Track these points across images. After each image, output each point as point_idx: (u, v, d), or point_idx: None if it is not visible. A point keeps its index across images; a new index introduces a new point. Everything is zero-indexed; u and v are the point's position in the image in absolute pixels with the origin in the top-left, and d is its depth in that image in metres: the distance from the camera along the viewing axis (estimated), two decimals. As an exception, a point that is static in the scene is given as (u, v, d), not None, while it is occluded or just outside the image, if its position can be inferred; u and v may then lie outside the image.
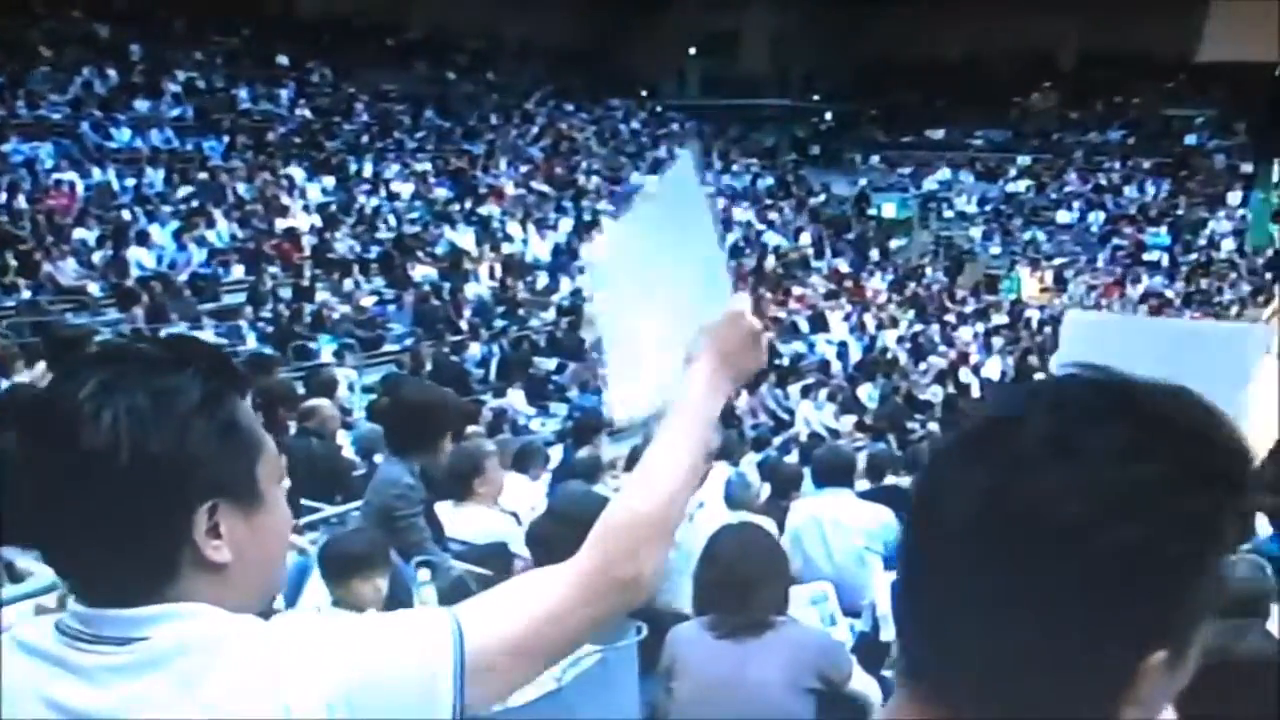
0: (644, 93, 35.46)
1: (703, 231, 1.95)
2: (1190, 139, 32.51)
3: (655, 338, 1.90)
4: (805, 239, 30.08)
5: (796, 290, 26.04)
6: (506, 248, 23.73)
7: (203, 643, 1.33)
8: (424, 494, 5.56)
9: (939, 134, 35.15)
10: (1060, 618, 0.92)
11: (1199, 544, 0.95)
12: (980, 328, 25.50)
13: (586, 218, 25.86)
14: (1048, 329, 25.28)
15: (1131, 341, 1.89)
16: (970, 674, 0.97)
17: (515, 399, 16.53)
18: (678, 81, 36.51)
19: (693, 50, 36.03)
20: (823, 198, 33.33)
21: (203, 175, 21.47)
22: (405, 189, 24.55)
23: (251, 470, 1.44)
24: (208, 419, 1.38)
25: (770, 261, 27.61)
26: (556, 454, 10.15)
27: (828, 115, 37.35)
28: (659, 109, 34.93)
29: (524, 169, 27.90)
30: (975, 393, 20.41)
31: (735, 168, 32.92)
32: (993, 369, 22.48)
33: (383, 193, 24.03)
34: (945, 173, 34.02)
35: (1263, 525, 9.04)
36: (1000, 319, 26.39)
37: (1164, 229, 30.23)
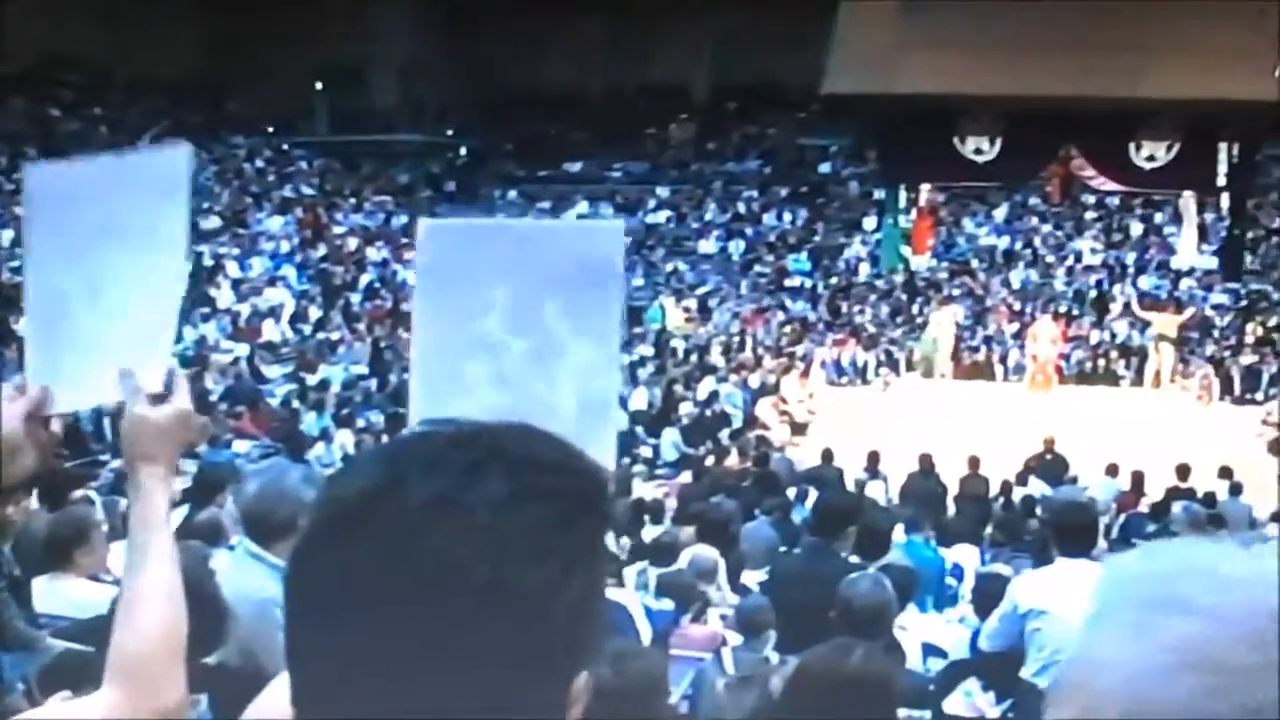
0: (269, 129, 34.09)
1: (171, 246, 1.86)
2: (825, 167, 33.80)
3: (101, 338, 1.83)
4: (445, 276, 29.47)
5: (438, 329, 25.40)
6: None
7: None
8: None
9: (576, 167, 35.24)
10: (486, 672, 0.93)
11: (595, 566, 1.00)
12: (625, 360, 25.42)
13: (208, 262, 24.51)
14: (693, 358, 25.50)
15: (489, 245, 1.82)
16: None
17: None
18: (305, 117, 35.31)
19: (319, 84, 34.94)
20: (461, 234, 32.80)
21: None
22: (4, 235, 22.58)
23: None
24: None
25: (408, 303, 26.83)
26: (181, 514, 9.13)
27: (463, 150, 36.96)
28: (285, 146, 33.66)
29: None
30: (623, 425, 20.14)
31: (368, 206, 32.11)
32: (639, 400, 22.36)
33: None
34: (584, 206, 34.03)
35: (900, 534, 9.07)
36: (646, 350, 26.41)
37: (804, 255, 31.12)
